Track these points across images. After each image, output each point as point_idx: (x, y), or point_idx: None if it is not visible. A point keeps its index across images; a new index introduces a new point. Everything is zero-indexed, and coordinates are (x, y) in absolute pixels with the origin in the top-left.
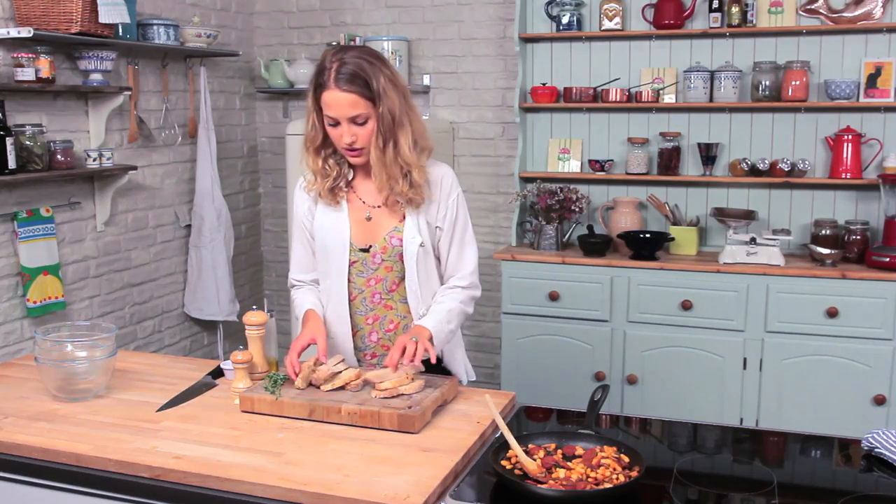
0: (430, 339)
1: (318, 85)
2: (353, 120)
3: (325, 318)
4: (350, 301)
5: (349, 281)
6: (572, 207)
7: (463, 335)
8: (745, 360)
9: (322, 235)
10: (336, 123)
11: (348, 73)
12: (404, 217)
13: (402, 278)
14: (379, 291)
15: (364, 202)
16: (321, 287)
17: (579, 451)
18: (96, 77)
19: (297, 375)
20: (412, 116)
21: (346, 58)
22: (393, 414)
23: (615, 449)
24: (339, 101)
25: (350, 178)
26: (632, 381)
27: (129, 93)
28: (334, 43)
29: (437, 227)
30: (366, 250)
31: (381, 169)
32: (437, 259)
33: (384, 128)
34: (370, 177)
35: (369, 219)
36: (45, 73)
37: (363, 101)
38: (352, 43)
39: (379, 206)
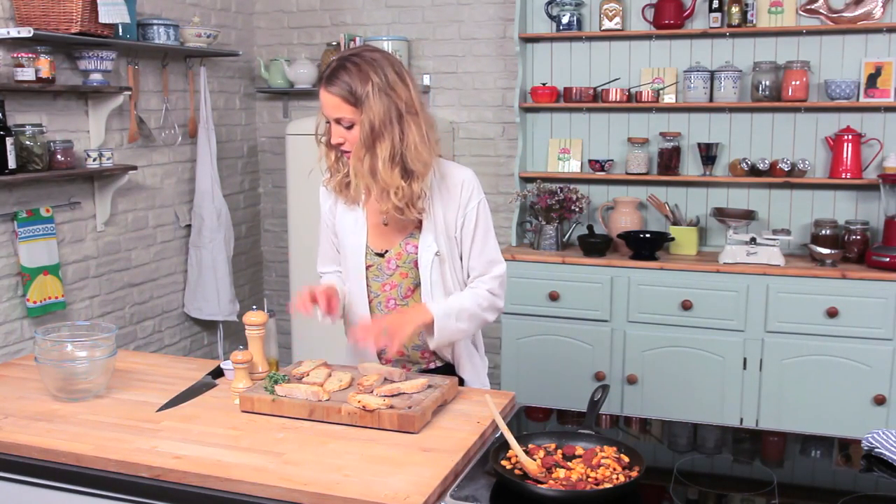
0: (431, 324)
1: (318, 80)
2: (338, 121)
3: (347, 319)
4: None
5: (366, 284)
6: (572, 207)
7: None
8: (745, 360)
9: (342, 236)
10: (329, 122)
11: (336, 75)
12: (420, 224)
13: (418, 285)
14: (394, 297)
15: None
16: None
17: (579, 451)
18: (96, 77)
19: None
20: (405, 129)
21: (344, 57)
22: (393, 414)
23: (615, 449)
24: (325, 100)
25: None
26: (632, 381)
27: (129, 93)
28: (334, 43)
29: (454, 235)
30: (381, 255)
31: (360, 180)
32: (455, 268)
33: (364, 137)
34: None
35: (386, 224)
36: (45, 73)
37: (346, 105)
38: (352, 43)
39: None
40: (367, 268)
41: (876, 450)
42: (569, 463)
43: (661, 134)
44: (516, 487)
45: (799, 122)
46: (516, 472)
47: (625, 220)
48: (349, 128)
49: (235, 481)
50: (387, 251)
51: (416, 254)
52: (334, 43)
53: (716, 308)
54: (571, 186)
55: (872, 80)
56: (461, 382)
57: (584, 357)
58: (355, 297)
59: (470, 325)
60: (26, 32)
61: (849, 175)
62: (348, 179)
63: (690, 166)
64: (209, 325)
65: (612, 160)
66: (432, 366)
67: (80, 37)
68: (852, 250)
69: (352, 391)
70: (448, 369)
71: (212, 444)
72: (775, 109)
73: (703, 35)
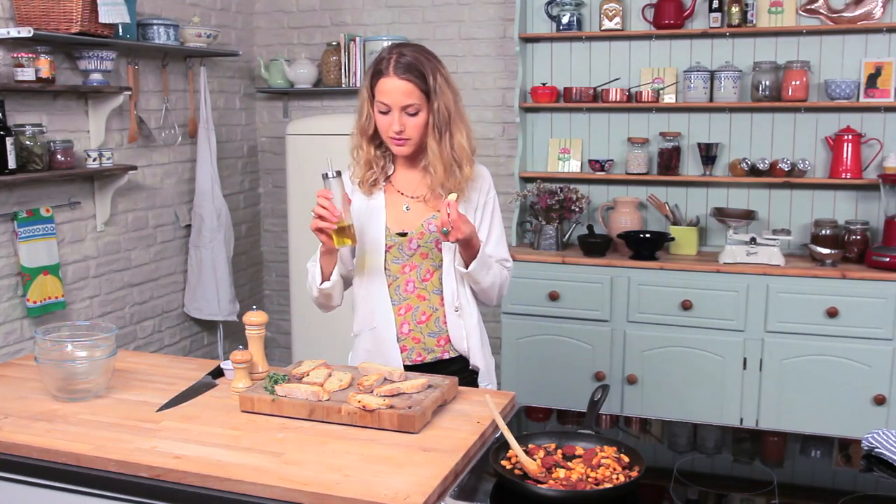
0: (476, 251)
1: (377, 73)
2: (405, 109)
3: (362, 311)
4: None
5: (385, 268)
6: (572, 207)
7: None
8: (745, 360)
9: (360, 224)
10: (388, 111)
11: (406, 63)
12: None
13: (438, 268)
14: (413, 280)
15: (403, 194)
16: (356, 281)
17: (579, 451)
18: (96, 77)
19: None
20: (462, 116)
21: (405, 51)
22: (393, 414)
23: (615, 449)
24: (395, 88)
25: (390, 172)
26: (632, 381)
27: (129, 93)
28: (334, 43)
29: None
30: (403, 235)
31: (439, 162)
32: None
33: (440, 122)
34: (411, 168)
35: (407, 209)
36: (45, 73)
37: (418, 91)
38: (352, 44)
39: (417, 198)
40: (388, 250)
41: (876, 450)
42: (569, 463)
43: (661, 134)
44: (516, 487)
45: (799, 122)
46: (516, 472)
47: (625, 220)
48: (413, 115)
49: (235, 481)
50: (408, 232)
51: (439, 233)
52: (334, 43)
53: (716, 308)
54: (571, 186)
55: (872, 80)
56: (474, 374)
57: (584, 357)
58: (373, 284)
59: (491, 283)
60: (26, 32)
61: (849, 175)
62: (378, 176)
63: (690, 166)
64: (209, 325)
65: (612, 160)
66: (446, 356)
67: (80, 37)
68: (852, 250)
69: (352, 391)
70: (461, 361)
71: (212, 444)
72: (775, 109)
73: (703, 35)
